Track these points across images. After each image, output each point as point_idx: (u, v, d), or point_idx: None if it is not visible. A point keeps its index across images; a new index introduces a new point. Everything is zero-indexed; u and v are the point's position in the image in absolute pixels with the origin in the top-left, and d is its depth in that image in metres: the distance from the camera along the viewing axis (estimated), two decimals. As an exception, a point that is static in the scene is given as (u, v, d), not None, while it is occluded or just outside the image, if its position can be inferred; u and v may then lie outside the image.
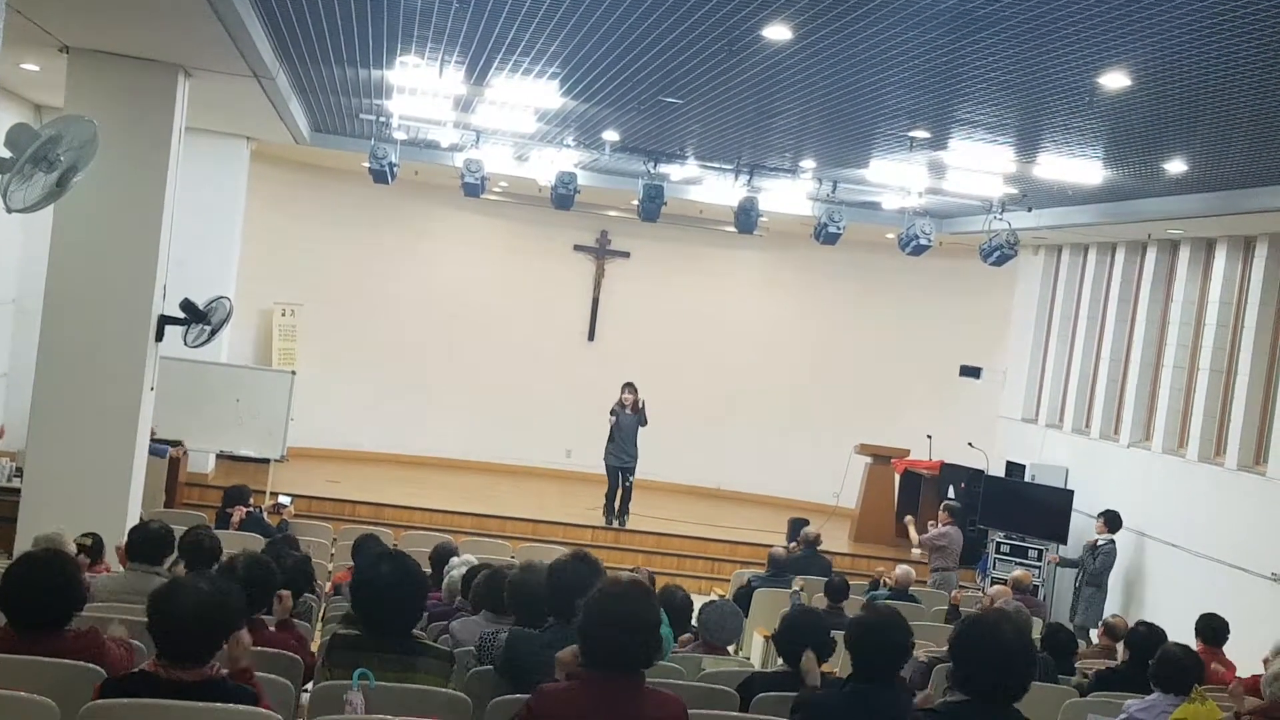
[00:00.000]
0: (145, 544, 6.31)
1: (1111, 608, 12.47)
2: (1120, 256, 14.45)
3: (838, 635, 5.97)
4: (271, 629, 5.18)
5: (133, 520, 9.37)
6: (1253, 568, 11.10)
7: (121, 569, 6.61)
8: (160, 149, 9.60)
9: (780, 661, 5.73)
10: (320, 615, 7.48)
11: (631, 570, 8.79)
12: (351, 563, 8.28)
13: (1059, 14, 6.24)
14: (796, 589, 9.84)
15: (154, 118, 9.59)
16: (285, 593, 5.47)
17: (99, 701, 3.75)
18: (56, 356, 9.43)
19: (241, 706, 3.78)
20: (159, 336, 9.77)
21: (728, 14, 7.03)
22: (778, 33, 7.26)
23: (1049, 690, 6.87)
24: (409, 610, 4.57)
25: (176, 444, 12.53)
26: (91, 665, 4.17)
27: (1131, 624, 8.52)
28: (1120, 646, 9.40)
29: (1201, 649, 8.05)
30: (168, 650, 3.77)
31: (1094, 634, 10.59)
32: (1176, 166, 9.93)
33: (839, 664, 6.70)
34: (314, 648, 5.88)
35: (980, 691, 3.81)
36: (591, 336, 18.41)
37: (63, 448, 9.37)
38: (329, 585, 8.63)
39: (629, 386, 14.97)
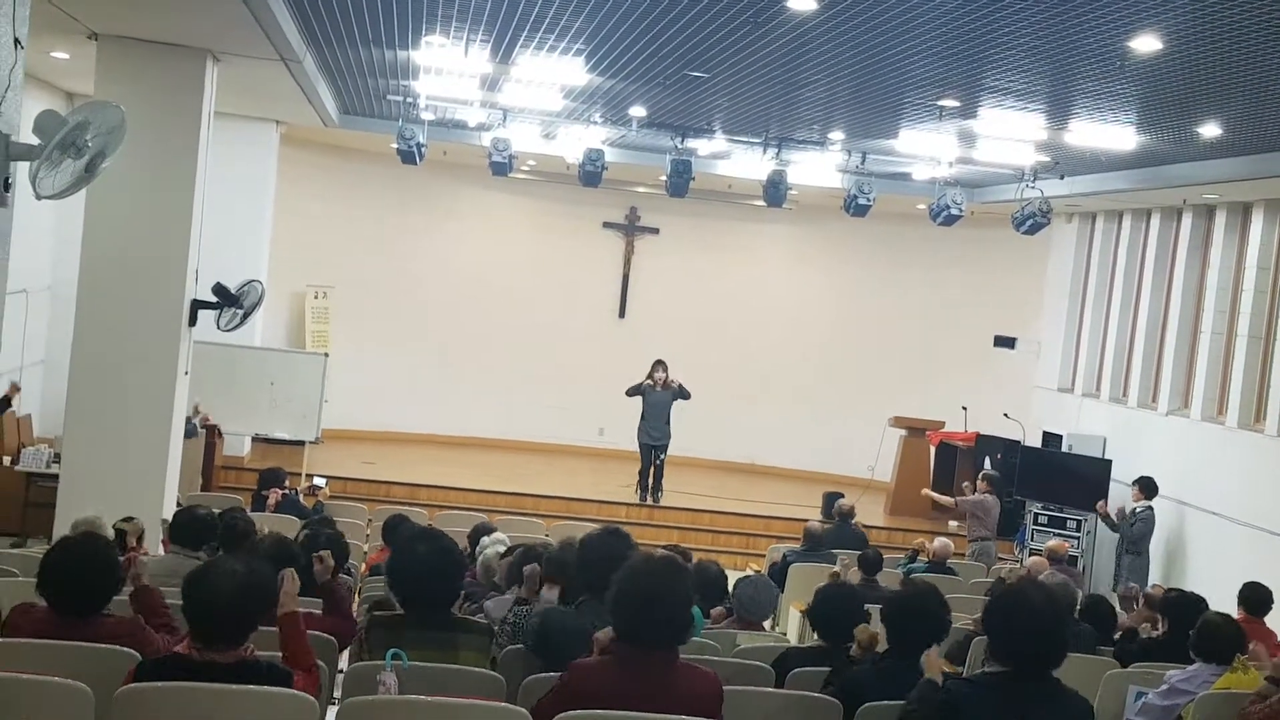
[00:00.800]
0: (189, 528, 6.37)
1: (1153, 577, 12.36)
2: (1155, 223, 14.27)
3: (873, 609, 5.97)
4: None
5: (170, 504, 9.47)
6: (1294, 535, 10.99)
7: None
8: (190, 134, 9.64)
9: (816, 636, 5.71)
10: (357, 595, 7.52)
11: (666, 548, 8.79)
12: (384, 544, 8.32)
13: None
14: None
15: (183, 103, 9.63)
16: (325, 553, 5.50)
17: (133, 685, 3.77)
18: (91, 343, 9.50)
19: (275, 689, 3.78)
20: (192, 321, 9.83)
21: (752, -15, 6.97)
22: (802, 2, 7.18)
23: (1089, 661, 6.81)
24: (448, 588, 4.57)
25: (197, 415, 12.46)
26: (127, 650, 4.20)
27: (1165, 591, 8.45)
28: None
29: (1243, 617, 7.96)
30: (202, 632, 3.78)
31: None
32: (1211, 130, 9.77)
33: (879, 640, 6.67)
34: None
35: (1015, 661, 3.80)
36: (622, 314, 18.39)
37: (99, 433, 9.45)
38: (364, 566, 8.68)
39: (660, 364, 14.93)
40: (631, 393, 14.83)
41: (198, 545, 6.23)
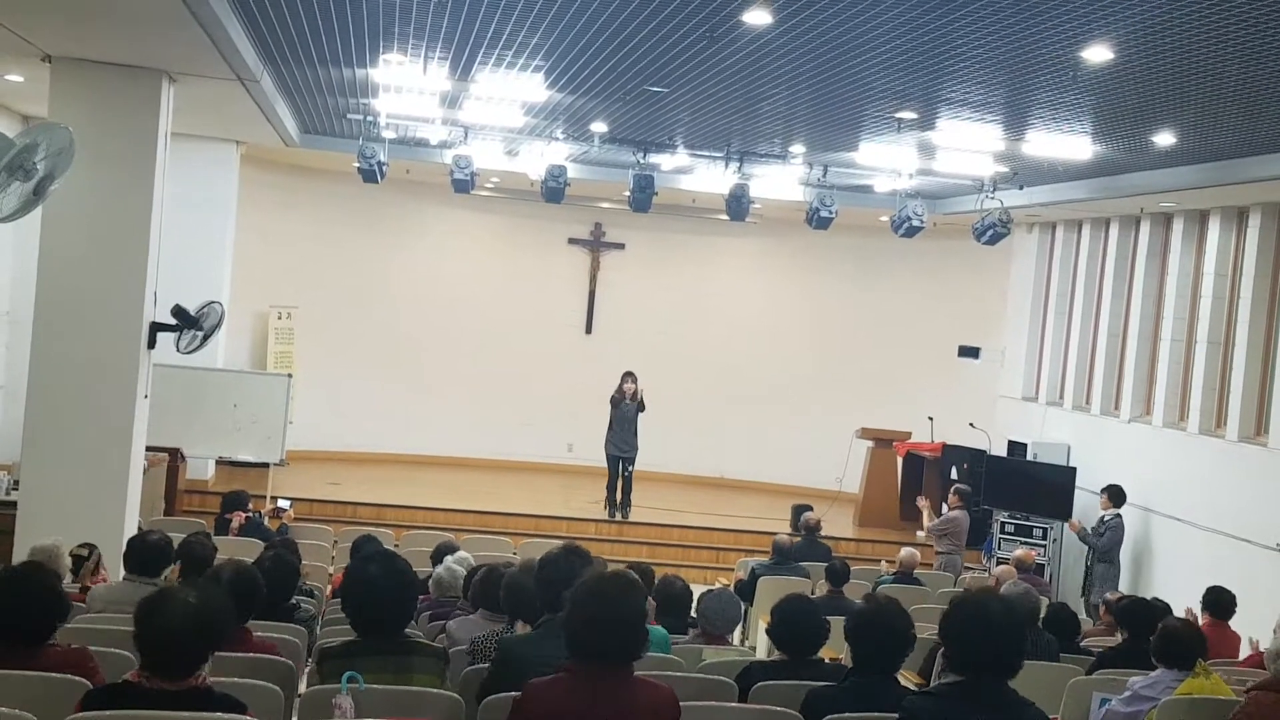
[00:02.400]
0: (142, 555, 6.28)
1: (1122, 584, 12.43)
2: (1114, 231, 14.39)
3: (839, 621, 5.95)
4: (257, 637, 5.11)
5: (131, 530, 9.35)
6: (1257, 539, 11.06)
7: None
8: (146, 155, 9.56)
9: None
10: (321, 618, 7.45)
11: (629, 565, 8.75)
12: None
13: (1039, -12, 6.20)
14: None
15: (139, 124, 9.54)
16: None
17: (82, 714, 3.69)
18: (49, 367, 9.39)
19: (229, 715, 3.73)
20: (151, 344, 9.74)
21: (706, 0, 6.98)
22: (758, 17, 7.21)
23: (1053, 669, 6.85)
24: (400, 610, 4.54)
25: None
26: (76, 678, 4.13)
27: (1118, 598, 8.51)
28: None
29: (1208, 622, 8.02)
30: (153, 662, 3.70)
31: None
32: (1166, 139, 9.87)
33: (843, 652, 6.67)
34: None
35: (971, 670, 3.80)
36: (589, 329, 18.38)
37: (58, 459, 9.32)
38: (329, 589, 8.61)
39: (629, 375, 14.93)
40: (614, 403, 14.84)
41: (154, 572, 6.14)
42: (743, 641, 9.77)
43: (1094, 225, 14.79)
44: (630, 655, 3.74)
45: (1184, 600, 8.62)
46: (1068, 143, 10.46)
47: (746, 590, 10.07)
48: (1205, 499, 12.00)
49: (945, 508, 13.01)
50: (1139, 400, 13.66)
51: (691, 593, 7.48)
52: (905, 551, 10.72)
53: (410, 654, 4.41)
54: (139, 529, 9.26)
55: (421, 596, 6.68)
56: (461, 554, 7.52)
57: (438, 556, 8.02)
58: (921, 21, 7.06)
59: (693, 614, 7.24)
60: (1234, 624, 8.44)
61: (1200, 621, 7.94)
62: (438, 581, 7.05)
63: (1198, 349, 12.61)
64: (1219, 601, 8.30)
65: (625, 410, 14.80)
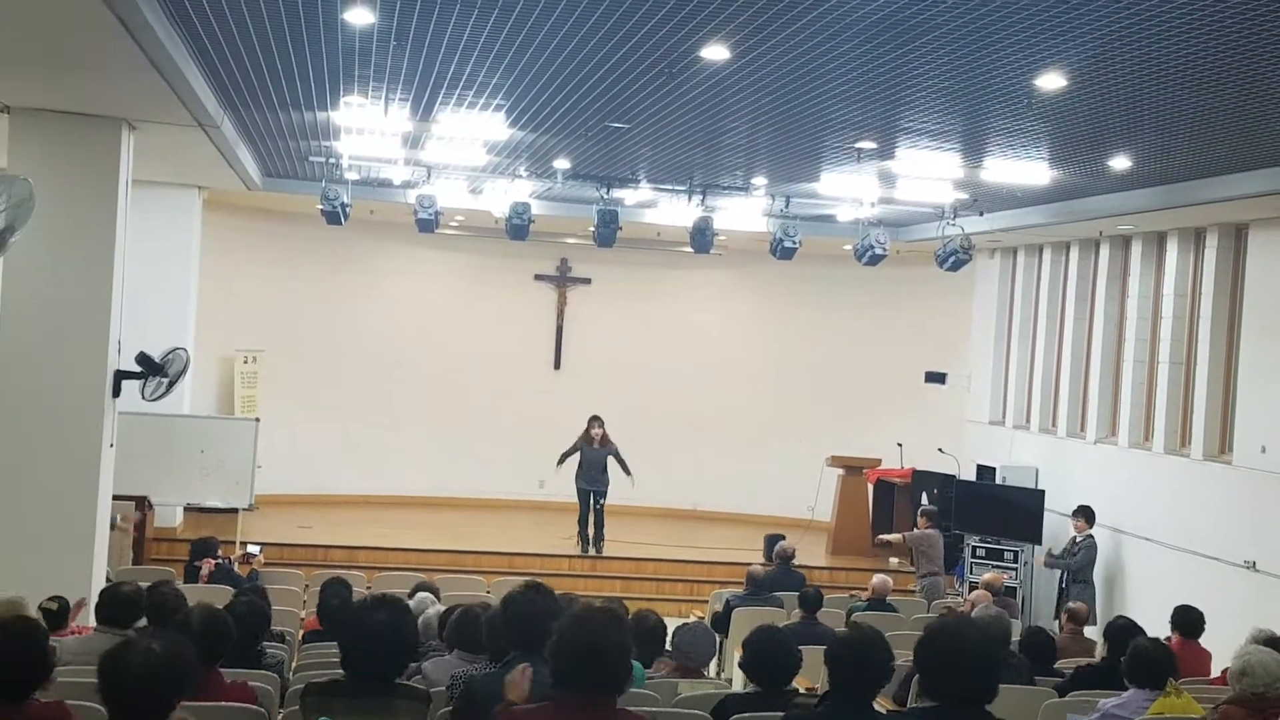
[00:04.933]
0: (114, 606, 6.22)
1: (1095, 604, 12.47)
2: (1074, 255, 14.56)
3: (817, 649, 5.96)
4: (230, 682, 5.07)
5: (99, 580, 9.27)
6: (1226, 557, 11.16)
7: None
8: (107, 203, 9.55)
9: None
10: (292, 665, 7.39)
11: (604, 599, 8.71)
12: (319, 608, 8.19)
13: (991, 19, 6.29)
14: None
15: (100, 172, 9.54)
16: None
17: (52, 770, 3.66)
18: (12, 418, 9.32)
19: (201, 765, 3.70)
20: (116, 392, 9.69)
21: (664, 37, 7.05)
22: (716, 53, 7.29)
23: (1028, 692, 6.87)
24: (399, 662, 4.50)
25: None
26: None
27: (1112, 618, 8.55)
28: (1085, 630, 9.47)
29: (1178, 641, 8.06)
30: (118, 714, 3.66)
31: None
32: (1122, 163, 10.01)
33: (819, 680, 6.67)
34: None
35: (948, 697, 3.81)
36: (558, 365, 18.39)
37: (22, 510, 9.25)
38: (300, 632, 8.54)
39: (596, 420, 14.91)
40: (564, 457, 14.78)
41: (126, 623, 6.09)
42: (718, 674, 9.75)
43: (1054, 249, 14.96)
44: (615, 687, 3.74)
45: (1156, 619, 8.67)
46: (1026, 169, 10.59)
47: (721, 622, 10.05)
48: (1173, 518, 12.09)
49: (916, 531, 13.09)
50: (1104, 421, 13.78)
51: (665, 627, 7.46)
52: (878, 578, 10.74)
53: (394, 696, 4.37)
54: (108, 579, 9.17)
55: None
56: (422, 595, 7.49)
57: (410, 596, 7.98)
58: (877, 53, 7.15)
59: (668, 647, 7.22)
60: (1206, 643, 8.49)
61: (1170, 640, 7.99)
62: (426, 625, 7.01)
63: (1160, 369, 12.75)
64: (1187, 619, 8.35)
65: (588, 454, 14.78)
